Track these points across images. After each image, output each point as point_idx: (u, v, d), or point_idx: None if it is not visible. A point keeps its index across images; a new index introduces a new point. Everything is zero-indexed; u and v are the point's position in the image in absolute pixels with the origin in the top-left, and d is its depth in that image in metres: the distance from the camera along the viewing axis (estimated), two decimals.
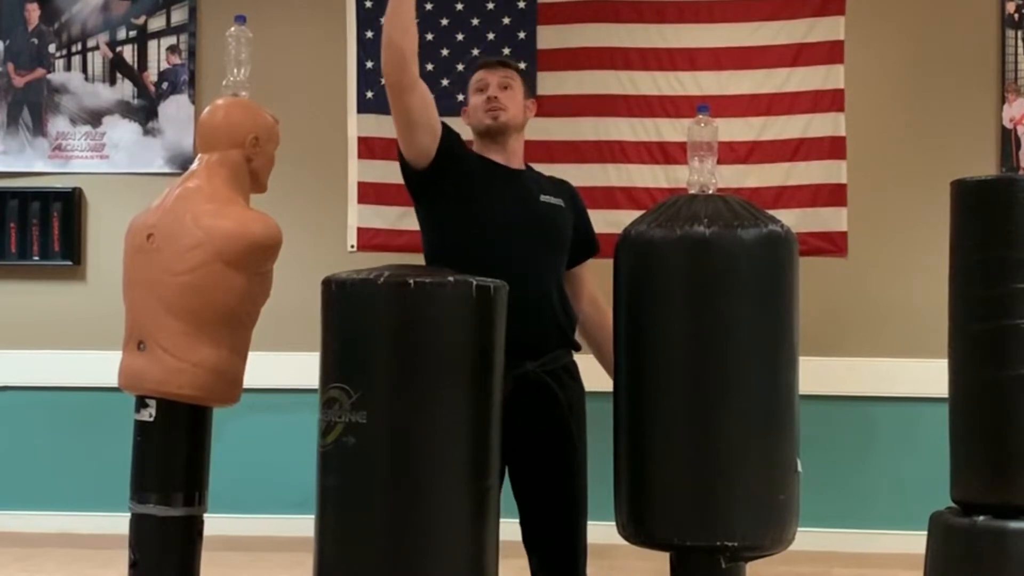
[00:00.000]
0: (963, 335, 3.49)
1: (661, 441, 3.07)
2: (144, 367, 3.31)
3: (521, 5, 6.31)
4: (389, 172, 6.33)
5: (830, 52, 6.12)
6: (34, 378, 6.47)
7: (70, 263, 6.50)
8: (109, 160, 6.55)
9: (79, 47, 6.61)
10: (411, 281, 2.95)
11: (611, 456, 3.27)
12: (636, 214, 3.44)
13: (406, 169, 3.48)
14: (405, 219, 6.25)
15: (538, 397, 3.39)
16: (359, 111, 6.33)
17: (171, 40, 6.57)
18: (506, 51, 6.25)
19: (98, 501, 6.10)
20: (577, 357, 3.60)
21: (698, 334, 3.04)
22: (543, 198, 3.54)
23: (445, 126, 3.46)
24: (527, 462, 3.42)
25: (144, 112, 6.55)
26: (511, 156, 3.57)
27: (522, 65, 6.21)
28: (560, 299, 3.51)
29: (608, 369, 3.41)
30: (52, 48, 6.60)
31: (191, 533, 3.35)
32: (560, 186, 3.68)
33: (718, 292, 3.04)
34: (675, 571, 3.15)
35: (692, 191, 3.21)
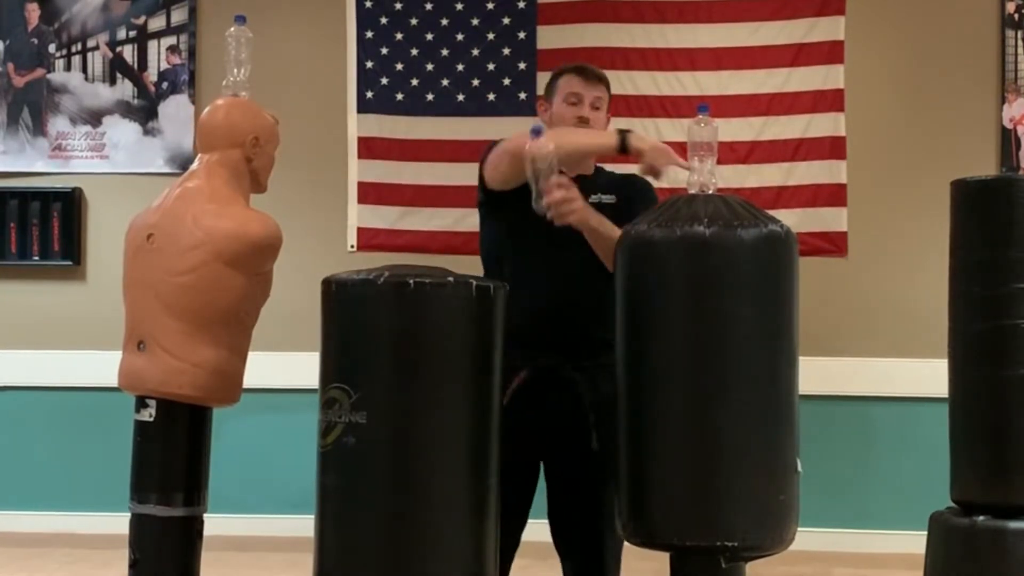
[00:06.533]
0: (963, 335, 3.49)
1: (661, 441, 3.06)
2: (144, 367, 3.31)
3: (521, 5, 6.32)
4: (389, 172, 6.36)
5: (830, 52, 6.13)
6: (34, 378, 6.47)
7: (70, 263, 6.50)
8: (109, 160, 6.55)
9: (79, 47, 6.61)
10: (411, 281, 2.95)
11: None
12: None
13: (487, 190, 3.51)
14: (405, 219, 6.28)
15: (557, 390, 3.40)
16: (359, 111, 6.34)
17: (171, 40, 6.57)
18: (506, 51, 6.26)
19: (98, 501, 6.10)
20: None
21: (698, 334, 3.04)
22: (592, 199, 3.48)
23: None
24: (550, 452, 3.44)
25: (144, 112, 6.55)
26: (575, 165, 3.50)
27: (521, 64, 6.26)
28: (600, 300, 3.41)
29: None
30: (52, 48, 6.61)
31: (191, 533, 3.35)
32: (622, 183, 3.62)
33: (718, 292, 3.03)
34: (675, 571, 3.14)
35: (692, 191, 3.21)
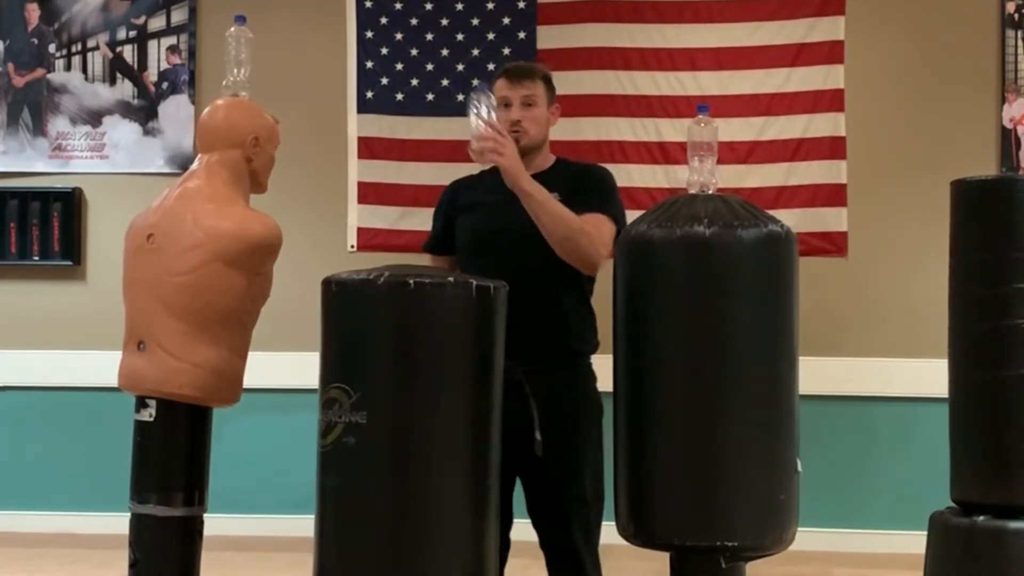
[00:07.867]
0: (963, 335, 3.49)
1: (661, 441, 3.07)
2: (144, 367, 3.31)
3: (521, 5, 6.32)
4: (389, 172, 6.36)
5: (830, 52, 6.13)
6: (34, 378, 6.47)
7: (70, 263, 6.50)
8: (109, 160, 6.55)
9: (79, 47, 6.61)
10: (411, 281, 2.95)
11: (611, 456, 3.27)
12: (636, 214, 3.43)
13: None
14: (405, 219, 6.27)
15: (510, 393, 3.23)
16: (359, 111, 6.34)
17: (171, 40, 6.57)
18: (506, 51, 6.25)
19: (98, 501, 6.10)
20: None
21: (698, 334, 3.04)
22: None
23: (442, 217, 3.69)
24: (515, 459, 3.35)
25: (144, 112, 6.55)
26: (527, 166, 3.46)
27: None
28: (558, 305, 3.46)
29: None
30: (52, 48, 6.61)
31: (191, 533, 3.35)
32: (580, 175, 3.59)
33: (718, 292, 3.04)
34: (675, 571, 3.15)
35: (692, 191, 3.21)
